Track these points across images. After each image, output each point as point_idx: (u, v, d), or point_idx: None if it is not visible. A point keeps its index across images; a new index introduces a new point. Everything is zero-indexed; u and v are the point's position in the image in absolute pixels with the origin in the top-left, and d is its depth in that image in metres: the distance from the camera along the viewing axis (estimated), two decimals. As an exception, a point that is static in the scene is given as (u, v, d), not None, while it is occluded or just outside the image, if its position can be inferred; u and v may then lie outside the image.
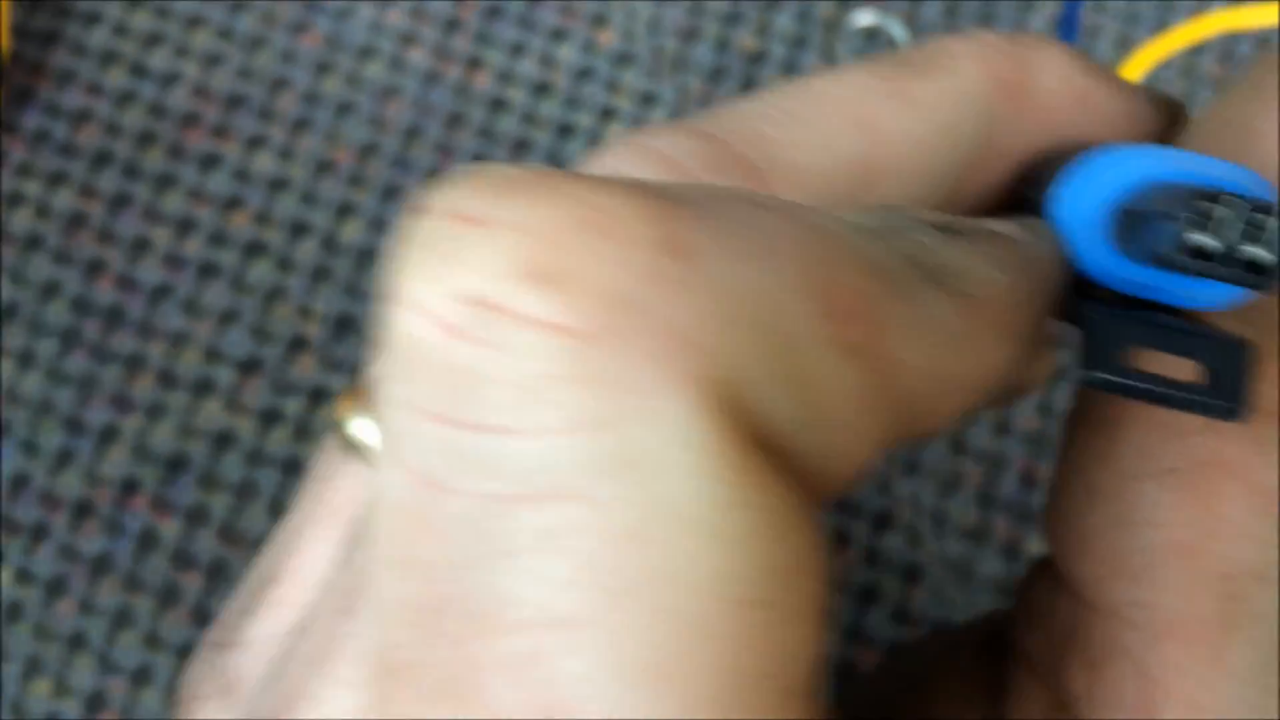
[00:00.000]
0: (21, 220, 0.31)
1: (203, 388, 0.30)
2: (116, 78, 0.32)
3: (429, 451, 0.12)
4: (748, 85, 0.33)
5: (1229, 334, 0.14)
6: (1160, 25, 0.34)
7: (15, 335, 0.30)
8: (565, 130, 0.32)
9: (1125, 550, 0.17)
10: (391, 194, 0.31)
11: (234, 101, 0.32)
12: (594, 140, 0.32)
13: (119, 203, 0.31)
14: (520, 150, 0.32)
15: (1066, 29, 0.32)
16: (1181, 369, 0.15)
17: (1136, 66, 0.32)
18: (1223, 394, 0.14)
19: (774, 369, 0.12)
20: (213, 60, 0.32)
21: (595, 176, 0.12)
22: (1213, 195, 0.14)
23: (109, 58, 0.32)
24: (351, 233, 0.31)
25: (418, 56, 0.33)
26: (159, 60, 0.32)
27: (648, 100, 0.33)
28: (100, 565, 0.29)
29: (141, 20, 0.33)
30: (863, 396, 0.13)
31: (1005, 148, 0.18)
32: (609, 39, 0.33)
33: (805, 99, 0.17)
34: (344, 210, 0.31)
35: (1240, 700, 0.16)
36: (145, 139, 0.32)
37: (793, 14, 0.34)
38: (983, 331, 0.14)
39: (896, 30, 0.33)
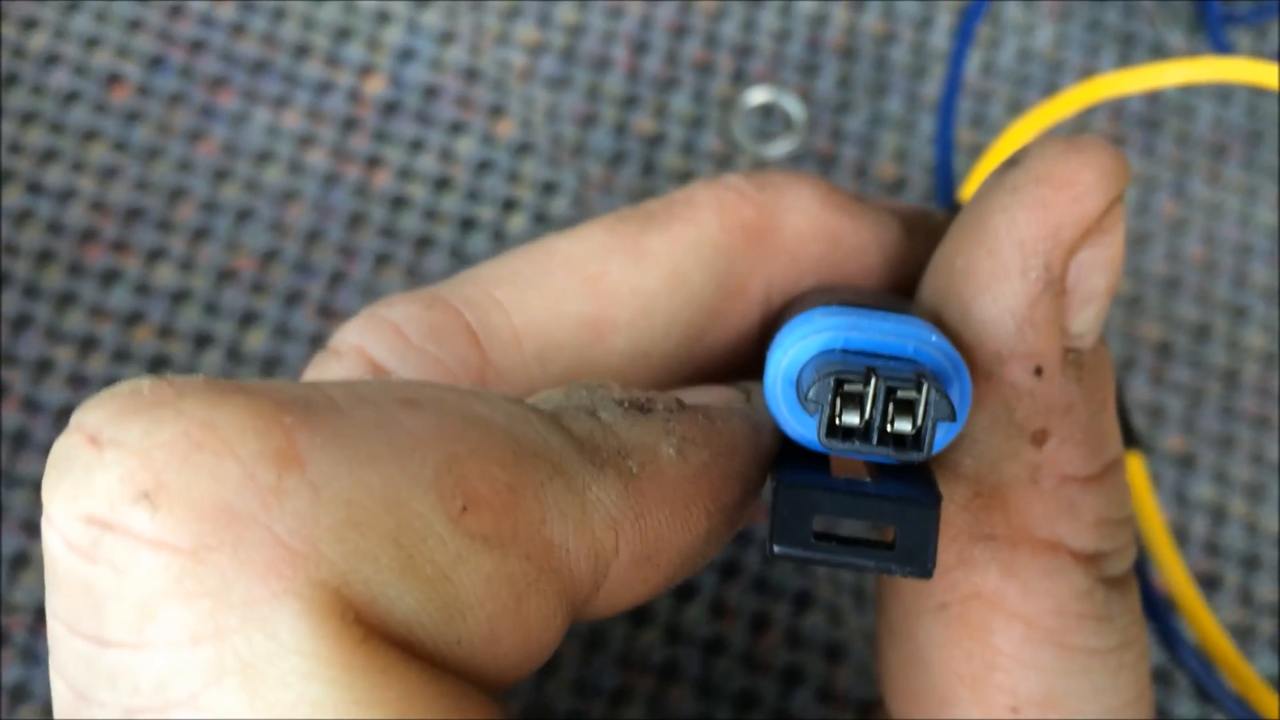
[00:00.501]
0: (-79, 348, 0.31)
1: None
2: (12, 196, 0.32)
3: (73, 663, 0.12)
4: (648, 168, 0.33)
5: (917, 493, 0.15)
6: (1050, 89, 0.34)
7: (-81, 466, 0.30)
8: (467, 224, 0.33)
9: (920, 687, 0.17)
10: (294, 300, 0.31)
11: (132, 214, 0.32)
12: (497, 233, 0.33)
13: (20, 324, 0.31)
14: (423, 247, 0.32)
15: (949, 93, 0.32)
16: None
17: (1027, 130, 0.32)
18: (910, 555, 0.15)
19: (393, 568, 0.12)
20: (109, 173, 0.32)
21: (223, 388, 0.13)
22: (861, 374, 0.14)
23: (5, 176, 0.32)
24: (255, 342, 0.31)
25: (316, 158, 0.33)
26: (55, 176, 0.32)
27: (549, 189, 0.33)
28: (18, 693, 0.28)
29: (36, 137, 0.33)
30: (511, 582, 0.13)
31: (750, 290, 0.18)
32: (507, 129, 0.34)
33: (541, 260, 0.18)
34: (247, 319, 0.31)
35: None
36: (44, 258, 0.31)
37: (688, 95, 0.34)
38: (654, 510, 0.15)
39: (791, 106, 0.34)
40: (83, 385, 0.30)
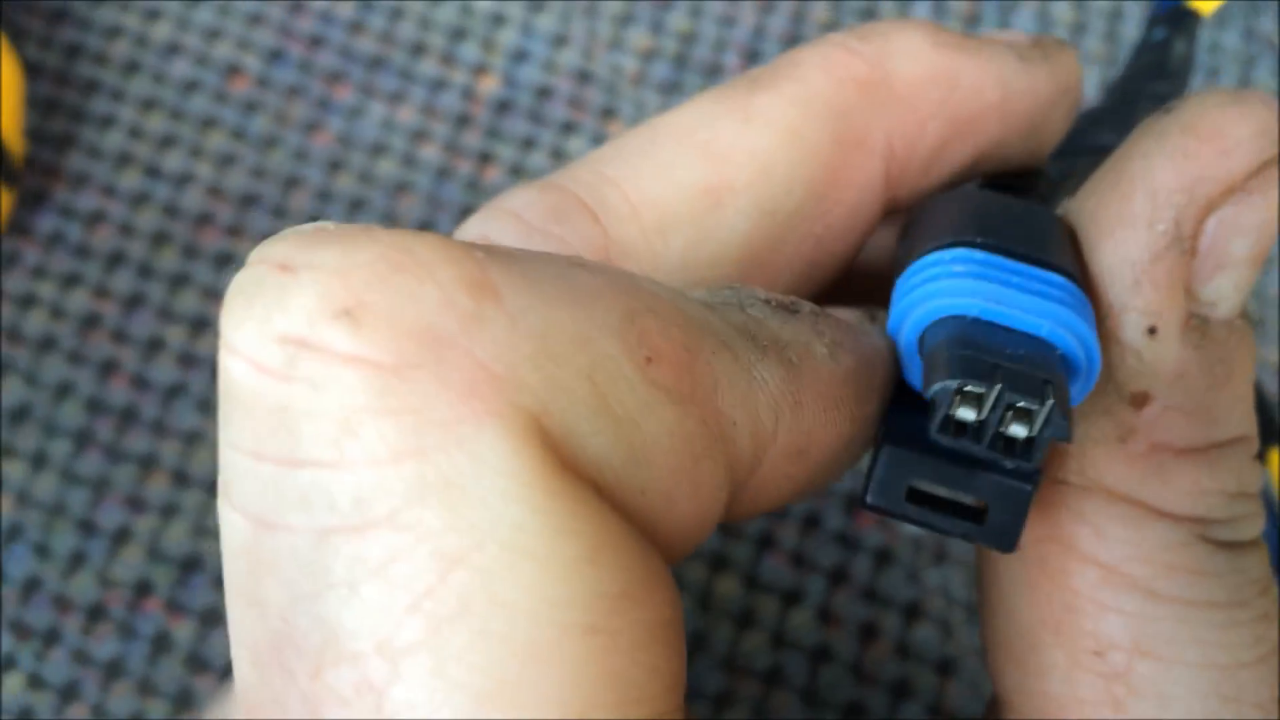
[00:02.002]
0: (36, 322, 0.31)
1: (216, 487, 0.30)
2: (131, 179, 0.32)
3: (257, 491, 0.12)
4: (760, 173, 0.33)
5: (1015, 473, 0.15)
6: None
7: (28, 437, 0.30)
8: (579, 221, 0.32)
9: (1007, 636, 0.16)
10: (406, 288, 0.31)
11: (248, 200, 0.32)
12: (608, 231, 0.32)
13: (133, 303, 0.31)
14: (534, 242, 0.32)
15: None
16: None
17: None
18: (998, 531, 0.15)
19: (587, 404, 0.12)
20: (226, 160, 0.33)
21: (410, 230, 0.12)
22: (988, 370, 0.14)
23: (123, 160, 0.33)
24: (366, 328, 0.31)
25: (429, 153, 0.33)
26: (173, 161, 0.33)
27: (661, 190, 0.33)
28: (113, 669, 0.28)
29: (156, 123, 0.33)
30: (690, 441, 0.13)
31: (870, 144, 0.17)
32: (618, 131, 0.33)
33: (650, 134, 0.17)
34: (358, 305, 0.31)
35: None
36: (159, 239, 0.32)
37: (803, 102, 0.34)
38: (810, 402, 0.14)
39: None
40: (192, 365, 0.30)
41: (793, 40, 0.35)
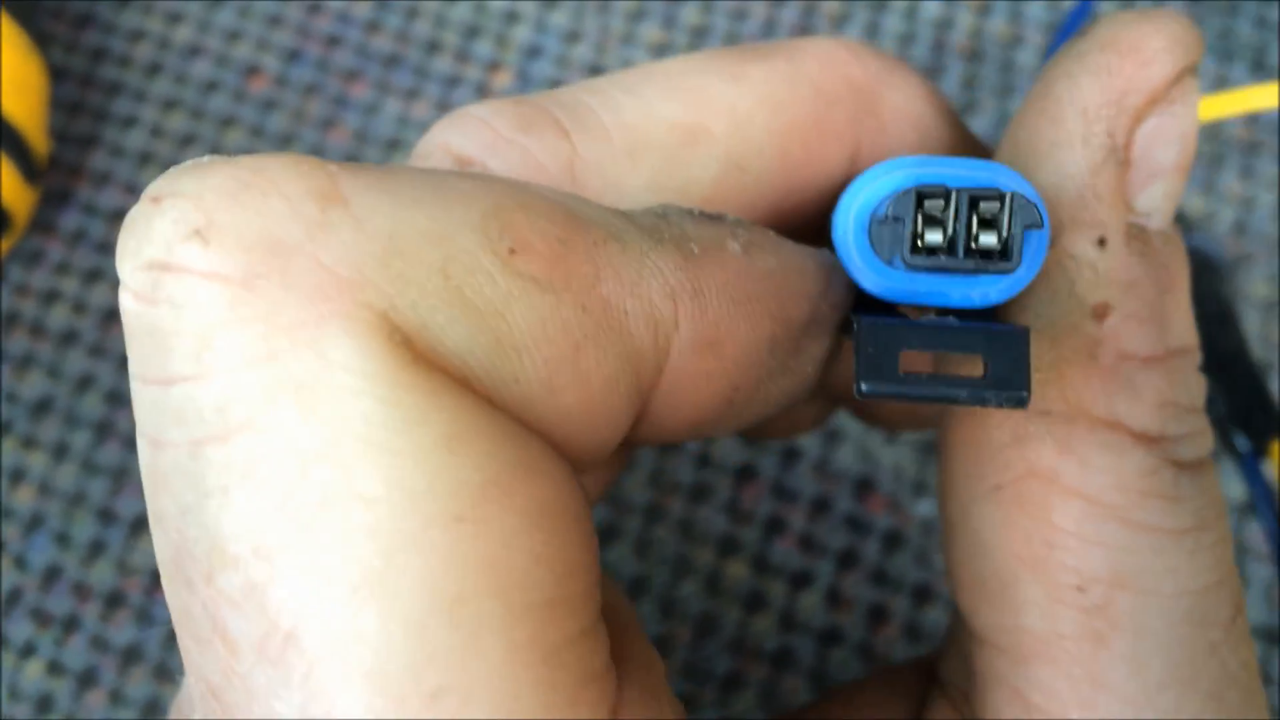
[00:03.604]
0: (58, 316, 0.32)
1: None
2: (152, 177, 0.33)
3: (147, 413, 0.13)
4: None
5: (1004, 324, 0.14)
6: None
7: (50, 429, 0.30)
8: (590, 212, 0.33)
9: (983, 575, 0.16)
10: (418, 279, 0.32)
11: (265, 196, 0.33)
12: (618, 221, 0.33)
13: (153, 296, 0.32)
14: (546, 233, 0.32)
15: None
16: (966, 365, 0.15)
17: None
18: (1005, 381, 0.14)
19: (440, 296, 0.13)
20: (245, 157, 0.33)
21: (275, 152, 0.13)
22: (937, 192, 0.14)
23: (145, 159, 0.33)
24: (379, 318, 0.31)
25: (444, 147, 0.33)
26: (193, 159, 0.33)
27: (671, 181, 0.33)
28: (131, 655, 0.29)
29: (177, 122, 0.34)
30: (566, 329, 0.13)
31: (845, 138, 0.18)
32: (631, 123, 0.34)
33: (639, 74, 0.17)
34: (372, 296, 0.32)
35: None
36: (179, 235, 0.32)
37: (813, 92, 0.34)
38: (713, 291, 0.15)
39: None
40: (210, 356, 0.31)
41: (803, 32, 0.35)
